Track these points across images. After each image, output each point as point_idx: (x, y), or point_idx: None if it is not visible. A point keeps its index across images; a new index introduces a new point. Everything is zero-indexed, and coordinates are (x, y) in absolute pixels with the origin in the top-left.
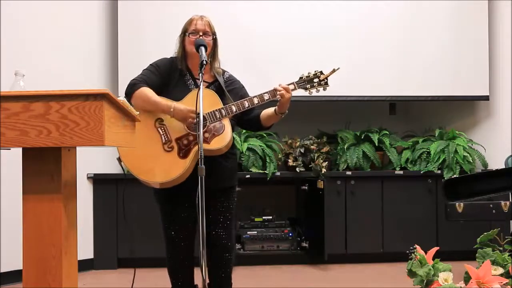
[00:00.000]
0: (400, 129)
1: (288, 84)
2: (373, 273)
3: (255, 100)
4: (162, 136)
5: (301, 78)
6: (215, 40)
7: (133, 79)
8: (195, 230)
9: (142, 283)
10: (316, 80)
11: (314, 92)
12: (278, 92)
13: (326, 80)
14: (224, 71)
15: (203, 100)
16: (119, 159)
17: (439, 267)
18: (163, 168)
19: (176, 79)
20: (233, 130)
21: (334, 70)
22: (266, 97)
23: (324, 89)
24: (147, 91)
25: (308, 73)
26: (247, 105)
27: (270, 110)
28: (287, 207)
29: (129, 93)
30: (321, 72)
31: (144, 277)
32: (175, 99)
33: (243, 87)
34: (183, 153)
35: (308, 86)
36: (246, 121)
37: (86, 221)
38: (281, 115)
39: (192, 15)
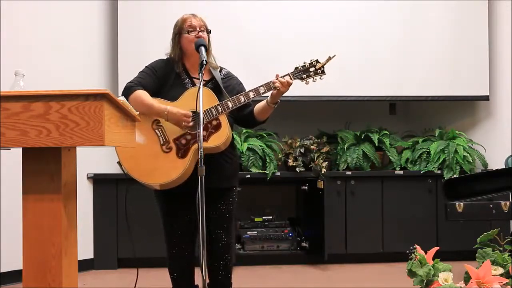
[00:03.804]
0: (400, 129)
1: (284, 76)
2: (373, 273)
3: (251, 94)
4: (160, 137)
5: (296, 68)
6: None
7: (128, 82)
8: (195, 230)
9: (143, 283)
10: (312, 69)
11: (311, 82)
12: (276, 83)
13: (322, 69)
14: (221, 68)
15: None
16: (119, 163)
17: (439, 267)
18: (163, 170)
19: (173, 79)
20: (232, 128)
21: (330, 58)
22: (262, 90)
23: (321, 78)
24: (141, 94)
25: (304, 63)
26: (243, 100)
27: (263, 102)
28: (287, 207)
29: (124, 97)
30: (317, 61)
31: (144, 277)
32: (172, 99)
33: (241, 83)
34: (182, 153)
35: (304, 76)
36: (242, 117)
37: (86, 221)
38: (273, 105)
39: (183, 15)
